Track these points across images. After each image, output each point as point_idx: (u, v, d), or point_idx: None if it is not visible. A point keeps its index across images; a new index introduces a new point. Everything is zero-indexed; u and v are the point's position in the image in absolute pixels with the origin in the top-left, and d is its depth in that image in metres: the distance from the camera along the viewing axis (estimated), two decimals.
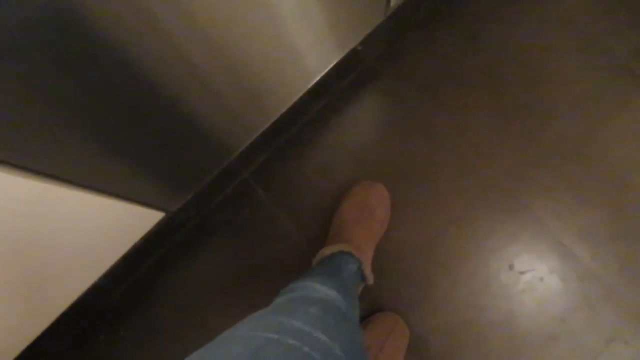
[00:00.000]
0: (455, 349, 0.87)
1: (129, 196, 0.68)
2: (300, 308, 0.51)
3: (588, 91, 0.92)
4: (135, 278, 0.96)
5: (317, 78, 0.90)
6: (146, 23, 0.46)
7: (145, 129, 0.61)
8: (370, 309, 0.90)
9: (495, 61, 0.95)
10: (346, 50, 0.93)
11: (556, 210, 0.89)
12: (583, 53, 0.94)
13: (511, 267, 0.88)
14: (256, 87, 0.76)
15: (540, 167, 0.90)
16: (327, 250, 0.79)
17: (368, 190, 0.89)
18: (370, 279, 0.80)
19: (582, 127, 0.91)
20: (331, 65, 0.92)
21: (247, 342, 0.42)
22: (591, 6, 0.95)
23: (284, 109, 0.90)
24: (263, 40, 0.67)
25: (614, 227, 0.87)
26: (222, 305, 0.94)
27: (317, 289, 0.61)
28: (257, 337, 0.43)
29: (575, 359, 0.84)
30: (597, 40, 0.94)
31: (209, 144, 0.78)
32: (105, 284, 0.88)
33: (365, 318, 0.88)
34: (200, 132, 0.73)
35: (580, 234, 0.88)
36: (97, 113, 0.52)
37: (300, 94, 0.91)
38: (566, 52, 0.94)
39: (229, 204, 0.96)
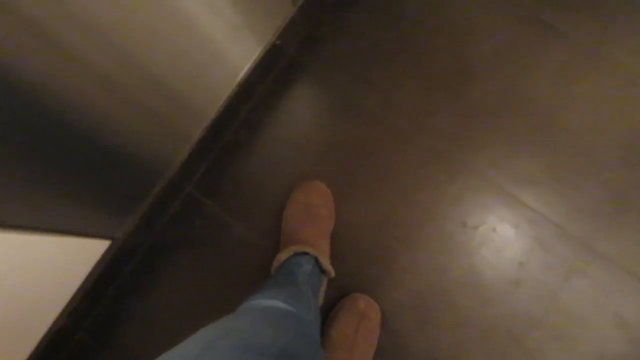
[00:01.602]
0: (427, 314, 0.88)
1: (65, 230, 0.66)
2: (248, 314, 0.54)
3: (504, 44, 0.95)
4: (97, 312, 0.93)
5: (241, 76, 0.90)
6: (45, 43, 0.45)
7: (67, 156, 0.59)
8: (339, 295, 0.90)
9: (411, 31, 0.97)
10: (265, 46, 0.93)
11: (496, 162, 0.92)
12: (492, 9, 0.97)
13: (464, 224, 0.91)
14: (181, 94, 0.76)
15: (473, 125, 0.93)
16: (282, 256, 0.79)
17: (307, 190, 0.90)
18: (331, 272, 0.81)
19: (504, 79, 0.94)
20: (253, 63, 0.92)
21: (198, 339, 0.44)
22: None
23: (214, 113, 0.89)
24: (179, 46, 0.67)
25: (552, 168, 0.91)
26: (191, 324, 0.92)
27: (267, 303, 0.62)
28: (208, 334, 0.45)
29: (539, 298, 0.87)
30: (507, 1, 0.97)
31: (142, 162, 0.77)
32: (67, 324, 0.85)
33: (336, 304, 0.89)
34: (130, 151, 0.72)
35: (522, 180, 0.91)
36: (10, 146, 0.50)
37: (228, 95, 0.90)
38: (476, 10, 0.97)
39: (179, 220, 0.95)
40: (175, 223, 0.94)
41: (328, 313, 0.88)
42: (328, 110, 0.96)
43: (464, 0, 0.98)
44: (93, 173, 0.65)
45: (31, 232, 0.60)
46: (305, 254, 0.80)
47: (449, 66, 0.95)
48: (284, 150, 0.96)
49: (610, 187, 0.89)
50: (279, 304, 0.60)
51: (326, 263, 0.81)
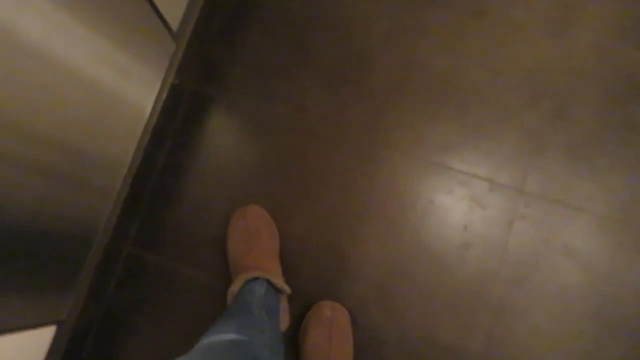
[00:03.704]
0: (392, 300, 0.89)
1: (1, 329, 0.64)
2: (193, 354, 0.55)
3: (389, 24, 0.98)
4: None
5: (147, 123, 0.89)
6: None
7: None
8: (305, 308, 0.90)
9: (301, 35, 0.99)
10: (162, 87, 0.93)
11: (414, 137, 0.94)
12: None
13: (403, 203, 0.92)
14: (89, 151, 0.74)
15: (383, 106, 0.95)
16: (234, 287, 0.78)
17: (243, 216, 0.89)
18: (286, 289, 0.81)
19: (399, 56, 0.97)
20: (155, 107, 0.91)
21: None
22: None
23: (128, 163, 0.88)
24: (73, 102, 0.66)
25: (466, 126, 0.94)
26: None
27: (216, 338, 0.61)
28: None
29: (491, 253, 0.89)
30: None
31: (69, 232, 0.75)
32: None
33: (304, 316, 0.89)
34: (52, 225, 0.70)
35: (443, 147, 0.93)
36: None
37: (139, 144, 0.89)
38: (353, 3, 0.99)
39: (126, 283, 0.93)
40: (123, 287, 0.92)
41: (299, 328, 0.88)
42: (242, 134, 0.96)
43: None
44: (17, 260, 0.63)
45: None
46: (256, 278, 0.79)
47: (346, 59, 0.97)
48: (211, 183, 0.95)
49: (523, 128, 0.93)
50: (229, 335, 0.60)
51: (279, 282, 0.80)
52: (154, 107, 0.91)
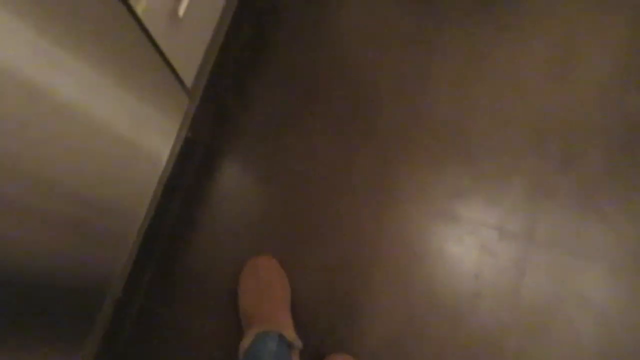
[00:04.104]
0: (405, 354, 0.88)
1: None
2: None
3: (396, 74, 1.00)
4: None
5: (161, 175, 0.91)
6: None
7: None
8: (317, 359, 0.89)
9: (310, 85, 1.01)
10: (177, 141, 0.95)
11: (423, 185, 0.95)
12: (374, 42, 1.03)
13: (414, 252, 0.92)
14: (106, 203, 0.75)
15: (392, 154, 0.96)
16: (245, 342, 0.78)
17: (255, 269, 0.90)
18: (299, 343, 0.80)
19: (406, 105, 0.99)
20: (170, 160, 0.94)
21: None
22: (362, 9, 1.06)
23: (143, 216, 0.89)
24: (92, 155, 0.67)
25: (473, 174, 0.94)
26: None
27: None
28: None
29: (503, 303, 0.88)
30: (380, 31, 1.03)
31: (82, 285, 0.75)
32: None
33: None
34: (65, 278, 0.70)
35: (451, 194, 0.94)
36: None
37: (154, 196, 0.91)
38: (360, 48, 1.02)
39: (139, 337, 0.92)
40: (135, 340, 0.92)
41: None
42: (254, 184, 0.98)
43: (347, 42, 1.03)
44: (31, 315, 0.63)
45: None
46: (267, 332, 0.79)
47: (354, 107, 0.99)
48: (223, 234, 0.96)
49: (531, 175, 0.93)
50: None
51: (291, 336, 0.80)
52: (168, 159, 0.93)
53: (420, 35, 1.02)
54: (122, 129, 0.74)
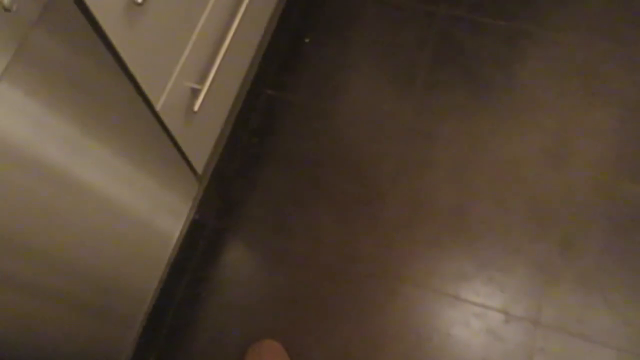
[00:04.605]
0: None
1: None
2: None
3: (397, 163, 1.05)
4: None
5: (169, 257, 0.93)
6: None
7: None
8: None
9: (315, 171, 1.06)
10: (185, 223, 0.98)
11: (427, 269, 0.96)
12: (376, 135, 1.08)
13: (419, 336, 0.91)
14: (115, 282, 0.76)
15: (395, 240, 0.98)
16: None
17: (259, 353, 0.89)
18: None
19: (409, 190, 1.02)
20: (177, 242, 0.96)
21: None
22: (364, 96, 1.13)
23: (149, 298, 0.90)
24: (102, 239, 0.69)
25: (477, 258, 0.96)
26: None
27: None
28: None
29: None
30: (381, 121, 1.09)
31: None
32: None
33: None
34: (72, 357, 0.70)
35: (456, 278, 0.95)
36: None
37: (161, 278, 0.92)
38: (363, 140, 1.08)
39: None
40: None
41: None
42: (259, 267, 0.99)
43: (351, 132, 1.09)
44: None
45: None
46: None
47: (357, 194, 1.03)
48: (228, 316, 0.96)
49: (534, 259, 0.95)
50: None
51: None
52: (176, 241, 0.95)
53: (421, 126, 1.08)
54: (138, 212, 0.77)
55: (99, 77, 0.57)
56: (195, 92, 0.77)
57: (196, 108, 0.76)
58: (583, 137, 1.04)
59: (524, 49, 1.14)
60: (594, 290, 0.91)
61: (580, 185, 1.00)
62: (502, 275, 0.94)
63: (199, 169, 0.90)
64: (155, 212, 0.84)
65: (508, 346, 0.89)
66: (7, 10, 0.38)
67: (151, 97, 0.66)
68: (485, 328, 0.91)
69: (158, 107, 0.69)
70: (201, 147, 0.90)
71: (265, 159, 1.08)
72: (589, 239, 0.95)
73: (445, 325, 0.92)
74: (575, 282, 0.92)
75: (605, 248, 0.94)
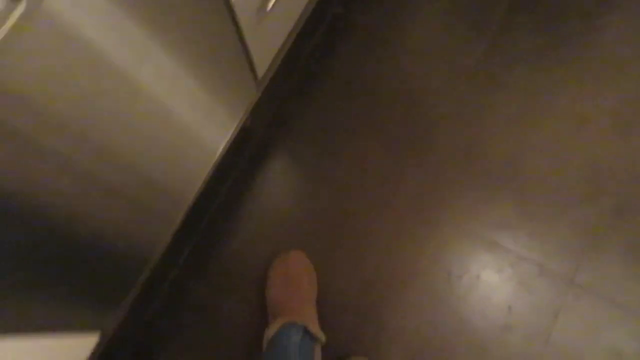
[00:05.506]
0: None
1: (52, 327, 0.67)
2: None
3: (457, 103, 1.02)
4: None
5: (216, 159, 0.94)
6: (22, 147, 0.48)
7: (52, 259, 0.61)
8: (336, 357, 0.89)
9: (371, 100, 1.04)
10: (236, 128, 0.98)
11: (470, 211, 0.95)
12: (437, 70, 1.04)
13: (449, 275, 0.92)
14: (161, 182, 0.79)
15: (442, 179, 0.97)
16: (270, 331, 0.80)
17: (285, 263, 0.91)
18: (322, 337, 0.81)
19: (464, 134, 1.00)
20: (226, 146, 0.97)
21: None
22: (432, 34, 1.08)
23: (193, 197, 0.92)
24: (157, 137, 0.71)
25: (523, 210, 0.94)
26: None
27: None
28: None
29: (532, 340, 0.87)
30: (447, 58, 1.05)
31: (127, 251, 0.78)
32: None
33: None
34: (114, 242, 0.73)
35: (498, 225, 0.94)
36: None
37: (205, 178, 0.94)
38: (423, 74, 1.04)
39: (168, 306, 0.95)
40: (165, 309, 0.95)
41: None
42: (301, 184, 1.00)
43: (412, 64, 1.05)
44: (77, 271, 0.67)
45: (13, 336, 0.60)
46: (293, 324, 0.80)
47: (412, 129, 1.01)
48: (263, 224, 0.99)
49: (581, 221, 0.92)
50: None
51: (316, 329, 0.81)
52: (225, 144, 0.96)
53: (488, 68, 1.03)
54: (190, 115, 0.77)
55: None
56: None
57: (269, 7, 0.74)
58: None
59: (612, 3, 1.06)
60: (638, 262, 0.89)
61: None
62: (544, 230, 0.92)
63: (260, 73, 0.89)
64: (211, 113, 0.85)
65: (535, 299, 0.89)
66: None
67: None
68: (517, 277, 0.90)
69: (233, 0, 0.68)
70: (266, 51, 0.89)
71: (322, 78, 1.07)
72: None
73: (477, 268, 0.92)
74: (620, 250, 0.90)
75: None
